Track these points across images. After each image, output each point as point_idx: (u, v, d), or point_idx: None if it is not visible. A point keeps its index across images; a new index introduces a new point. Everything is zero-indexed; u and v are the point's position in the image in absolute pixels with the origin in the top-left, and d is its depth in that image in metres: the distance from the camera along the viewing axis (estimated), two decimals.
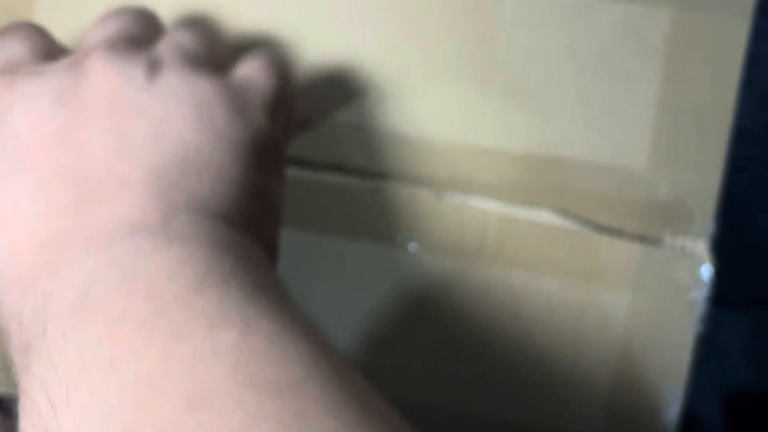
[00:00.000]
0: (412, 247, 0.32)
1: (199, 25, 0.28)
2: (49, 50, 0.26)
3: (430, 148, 0.31)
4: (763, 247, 0.50)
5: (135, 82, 0.22)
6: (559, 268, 0.31)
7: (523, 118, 0.31)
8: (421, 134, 0.31)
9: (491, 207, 0.31)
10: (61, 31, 0.32)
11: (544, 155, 0.31)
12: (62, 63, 0.24)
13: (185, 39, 0.25)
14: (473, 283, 0.31)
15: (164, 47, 0.24)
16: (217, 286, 0.20)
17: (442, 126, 0.31)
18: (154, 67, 0.23)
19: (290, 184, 0.32)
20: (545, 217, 0.31)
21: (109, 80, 0.22)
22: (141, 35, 0.25)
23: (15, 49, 0.25)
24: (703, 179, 0.30)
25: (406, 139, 0.31)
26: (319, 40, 0.32)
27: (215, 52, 0.26)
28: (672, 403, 0.31)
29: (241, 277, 0.20)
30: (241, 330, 0.19)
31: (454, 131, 0.31)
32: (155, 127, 0.22)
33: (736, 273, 0.49)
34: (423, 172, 0.31)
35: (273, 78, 0.26)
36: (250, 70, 0.26)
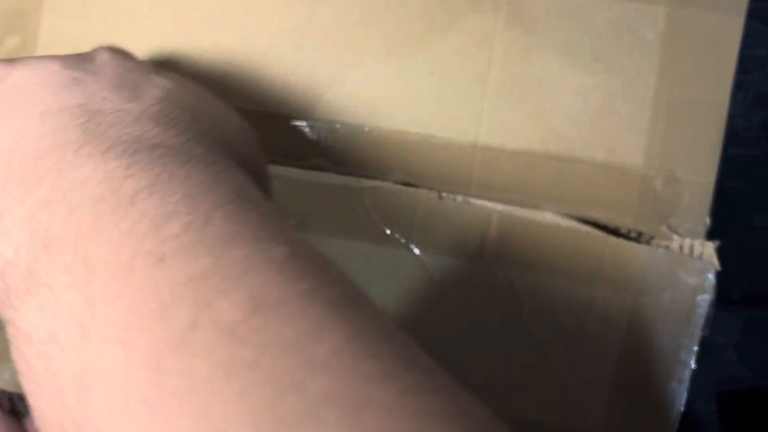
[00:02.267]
0: (413, 247, 0.32)
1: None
2: None
3: (430, 147, 0.31)
4: (758, 247, 0.50)
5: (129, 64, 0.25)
6: (562, 268, 0.31)
7: (520, 115, 0.31)
8: (421, 132, 0.31)
9: (492, 207, 0.31)
10: (67, 31, 0.33)
11: (541, 152, 0.31)
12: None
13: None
14: (475, 282, 0.32)
15: None
16: (250, 203, 0.20)
17: (440, 124, 0.31)
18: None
19: (289, 183, 0.32)
20: (547, 217, 0.31)
21: (112, 58, 0.25)
22: None
23: None
24: (698, 175, 0.30)
25: (405, 138, 0.31)
26: (317, 42, 0.32)
27: None
28: (673, 401, 0.31)
29: (264, 202, 0.21)
30: (290, 247, 0.18)
31: (453, 129, 0.31)
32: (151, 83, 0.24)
33: (731, 272, 0.49)
34: (423, 171, 0.32)
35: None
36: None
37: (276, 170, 0.32)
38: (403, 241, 0.32)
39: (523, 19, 0.31)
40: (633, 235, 0.31)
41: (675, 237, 0.30)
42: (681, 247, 0.30)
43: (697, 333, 0.31)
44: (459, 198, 0.31)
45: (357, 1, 0.31)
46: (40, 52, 0.33)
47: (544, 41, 0.31)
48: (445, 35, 0.31)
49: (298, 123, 0.32)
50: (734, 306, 0.50)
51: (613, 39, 0.30)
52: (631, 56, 0.30)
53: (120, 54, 0.26)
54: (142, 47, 0.32)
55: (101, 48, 0.26)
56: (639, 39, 0.30)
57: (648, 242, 0.30)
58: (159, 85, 0.24)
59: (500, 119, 0.31)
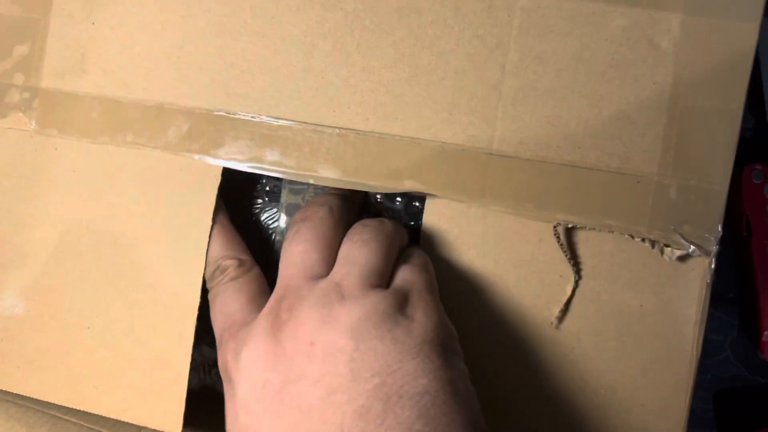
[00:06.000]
0: None
1: (373, 237, 0.30)
2: None
3: (443, 155, 0.31)
4: None
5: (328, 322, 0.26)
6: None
7: (534, 123, 0.31)
8: (434, 140, 0.31)
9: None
10: (75, 39, 0.32)
11: (556, 160, 0.31)
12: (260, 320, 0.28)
13: (360, 256, 0.29)
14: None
15: (343, 271, 0.28)
16: None
17: (454, 132, 0.31)
18: (339, 299, 0.27)
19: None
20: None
21: (308, 330, 0.26)
22: (323, 255, 0.29)
23: None
24: (712, 183, 0.30)
25: (418, 146, 0.31)
26: (327, 48, 0.31)
27: (386, 261, 0.29)
28: (677, 398, 0.31)
29: None
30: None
31: (466, 137, 0.31)
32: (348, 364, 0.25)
33: (727, 271, 0.50)
34: (436, 179, 0.31)
35: (425, 273, 0.30)
36: (408, 274, 0.29)
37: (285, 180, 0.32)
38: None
39: (537, 25, 0.30)
40: (646, 242, 0.30)
41: (680, 239, 0.30)
42: (683, 248, 0.30)
43: (701, 329, 0.31)
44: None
45: (368, 7, 0.31)
46: (48, 59, 0.32)
47: (559, 48, 0.30)
48: (458, 41, 0.31)
49: (307, 130, 0.31)
50: (730, 305, 0.51)
51: (627, 46, 0.30)
52: (646, 63, 0.30)
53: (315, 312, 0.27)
54: (150, 53, 0.32)
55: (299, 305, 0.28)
56: (653, 46, 0.30)
57: (661, 250, 0.31)
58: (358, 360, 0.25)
59: (514, 127, 0.31)
